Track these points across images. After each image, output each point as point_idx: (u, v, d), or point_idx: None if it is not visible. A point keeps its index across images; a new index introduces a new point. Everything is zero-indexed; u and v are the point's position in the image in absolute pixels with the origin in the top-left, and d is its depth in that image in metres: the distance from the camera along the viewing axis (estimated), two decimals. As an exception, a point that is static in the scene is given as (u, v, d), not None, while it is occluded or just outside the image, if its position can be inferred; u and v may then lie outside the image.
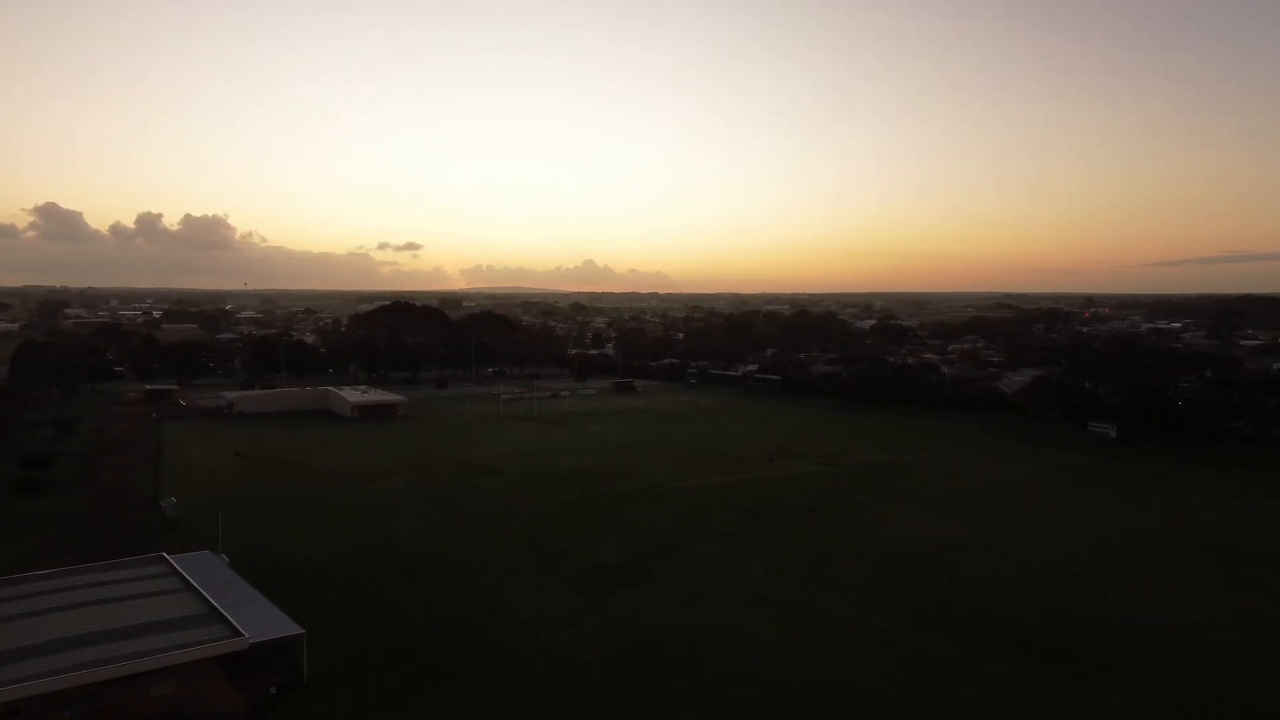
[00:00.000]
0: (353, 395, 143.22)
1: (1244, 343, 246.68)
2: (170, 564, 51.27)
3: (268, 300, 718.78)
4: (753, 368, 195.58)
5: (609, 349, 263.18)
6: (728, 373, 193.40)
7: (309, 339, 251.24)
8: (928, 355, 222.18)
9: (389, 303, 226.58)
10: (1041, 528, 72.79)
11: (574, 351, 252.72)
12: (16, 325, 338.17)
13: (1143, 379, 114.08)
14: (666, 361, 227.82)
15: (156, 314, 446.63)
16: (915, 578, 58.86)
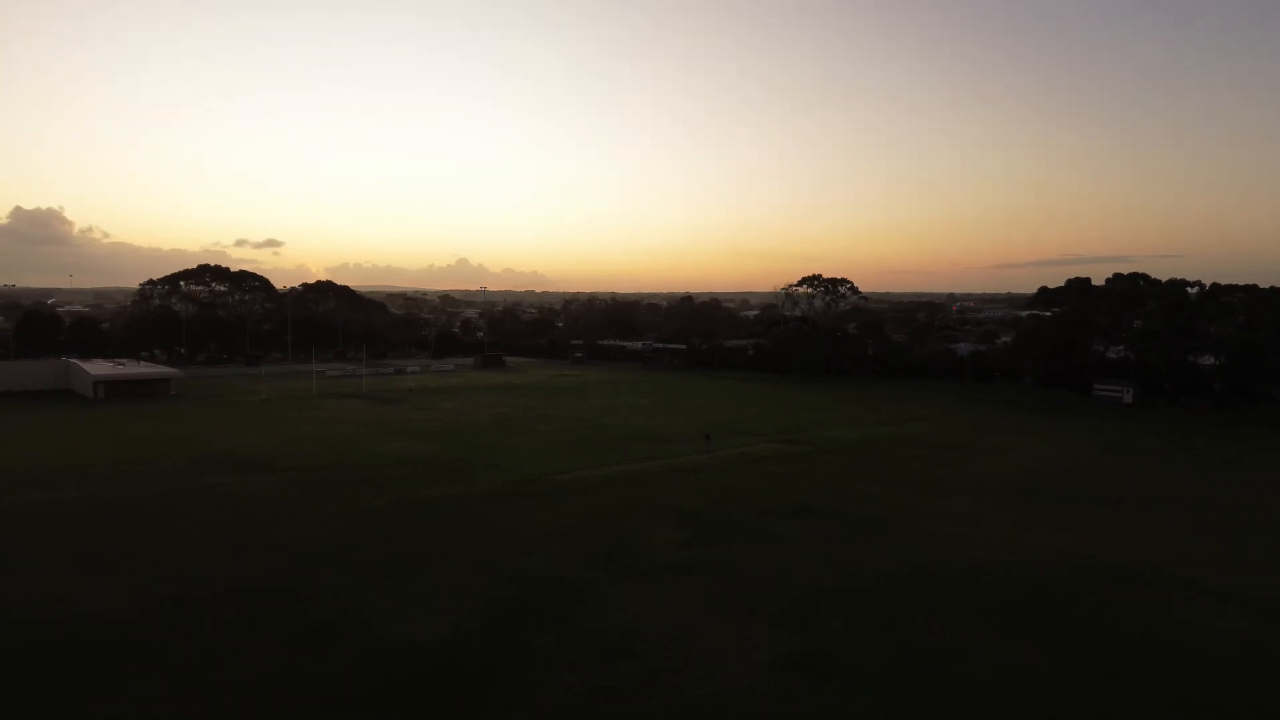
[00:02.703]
0: (99, 369, 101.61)
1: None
2: None
3: (103, 295, 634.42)
4: (643, 345, 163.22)
5: (480, 336, 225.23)
6: (623, 344, 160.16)
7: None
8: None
9: (193, 266, 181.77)
10: (1199, 533, 42.61)
11: (430, 334, 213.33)
12: None
13: (1168, 328, 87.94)
14: (545, 341, 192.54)
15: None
16: (1102, 662, 26.79)
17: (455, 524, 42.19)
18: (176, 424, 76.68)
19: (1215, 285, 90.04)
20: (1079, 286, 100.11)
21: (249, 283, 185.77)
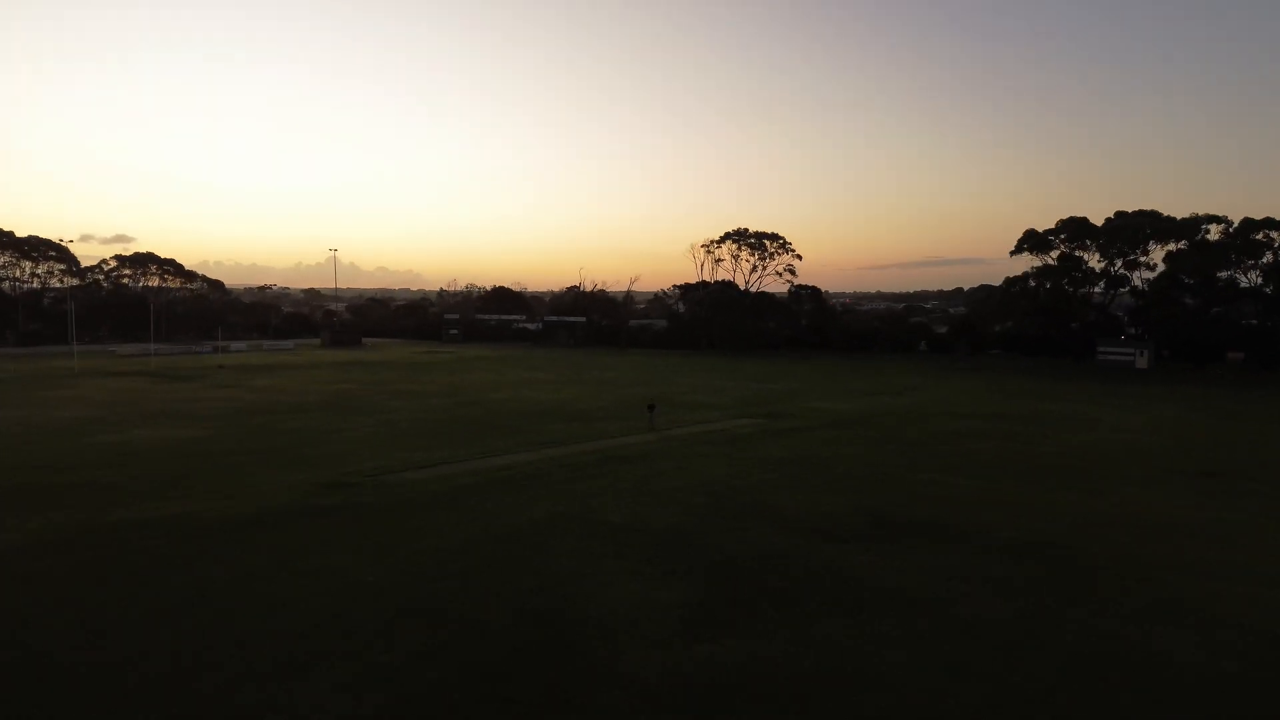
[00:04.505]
0: None
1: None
2: None
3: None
4: (533, 326, 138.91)
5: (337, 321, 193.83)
6: (509, 318, 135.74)
7: None
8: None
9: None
10: None
11: (275, 319, 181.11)
12: None
13: (1194, 271, 71.78)
14: (414, 323, 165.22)
15: None
16: None
17: (165, 584, 18.08)
18: None
19: (1247, 220, 74.83)
20: (1074, 226, 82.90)
21: (43, 252, 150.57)
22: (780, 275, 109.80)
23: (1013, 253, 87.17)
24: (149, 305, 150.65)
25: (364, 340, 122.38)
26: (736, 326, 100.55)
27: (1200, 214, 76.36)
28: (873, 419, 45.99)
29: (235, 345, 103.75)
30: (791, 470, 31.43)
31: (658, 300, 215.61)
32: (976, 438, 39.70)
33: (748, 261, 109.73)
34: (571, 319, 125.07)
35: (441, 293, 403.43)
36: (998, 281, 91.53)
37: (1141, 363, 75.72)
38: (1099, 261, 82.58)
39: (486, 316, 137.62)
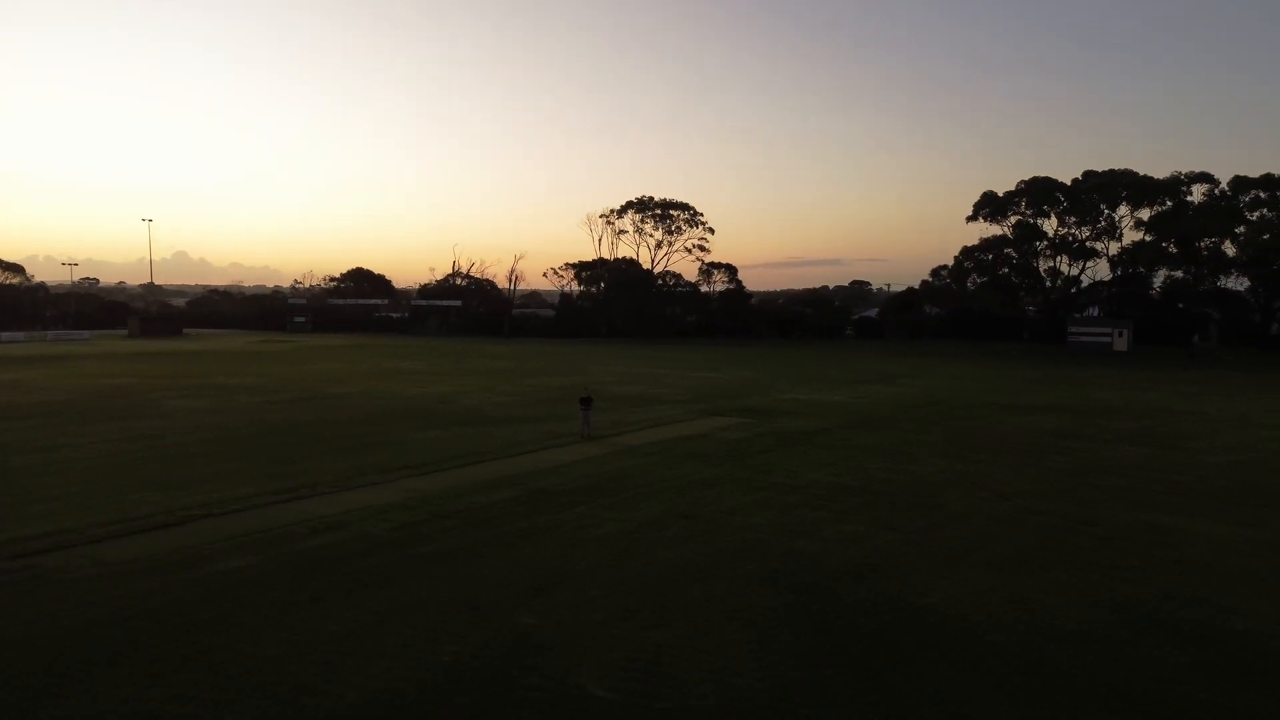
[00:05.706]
0: None
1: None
2: None
3: None
4: (398, 315, 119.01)
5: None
6: (370, 302, 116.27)
7: None
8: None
9: None
10: None
11: (90, 308, 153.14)
12: None
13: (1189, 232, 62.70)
14: (257, 311, 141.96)
15: None
16: None
17: None
18: None
19: (1238, 178, 66.70)
20: (1038, 187, 72.77)
21: None
22: (690, 251, 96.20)
23: (969, 219, 77.12)
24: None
25: (187, 330, 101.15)
26: (642, 309, 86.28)
27: (1183, 173, 68.40)
28: (898, 416, 32.38)
29: (8, 334, 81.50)
30: (882, 514, 17.07)
31: (534, 295, 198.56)
32: (1083, 441, 26.65)
33: (653, 235, 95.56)
34: (444, 303, 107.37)
35: (295, 285, 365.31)
36: (864, 279, 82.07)
37: (1120, 344, 66.59)
38: (1061, 229, 73.52)
39: (341, 302, 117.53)
